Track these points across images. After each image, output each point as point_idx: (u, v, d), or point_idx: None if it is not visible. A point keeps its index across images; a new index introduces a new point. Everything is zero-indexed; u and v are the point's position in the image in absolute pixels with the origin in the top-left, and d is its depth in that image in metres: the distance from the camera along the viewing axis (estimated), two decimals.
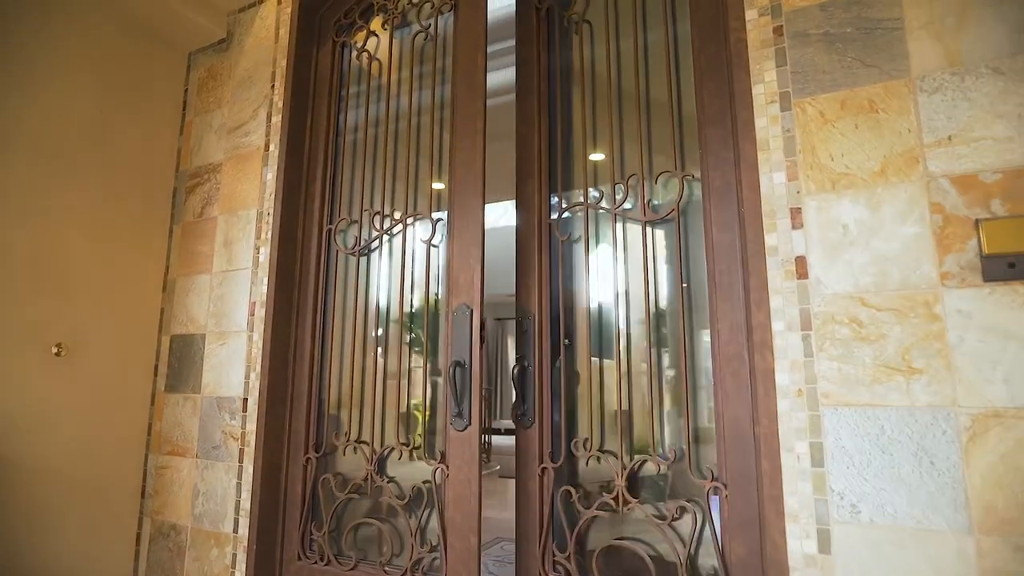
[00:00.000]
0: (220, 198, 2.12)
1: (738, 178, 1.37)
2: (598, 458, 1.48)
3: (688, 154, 1.50)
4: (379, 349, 1.82)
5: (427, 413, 1.72)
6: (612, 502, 1.43)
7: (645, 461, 1.42)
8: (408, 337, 1.80)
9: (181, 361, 2.08)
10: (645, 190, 1.53)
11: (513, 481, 5.73)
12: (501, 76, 3.16)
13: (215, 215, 2.12)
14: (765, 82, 1.29)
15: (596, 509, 1.45)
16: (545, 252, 1.64)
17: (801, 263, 1.19)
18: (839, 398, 1.12)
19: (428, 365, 1.75)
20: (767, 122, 1.27)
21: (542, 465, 1.54)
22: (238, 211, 2.06)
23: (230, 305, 2.00)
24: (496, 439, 6.69)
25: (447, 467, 1.59)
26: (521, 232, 1.70)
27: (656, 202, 1.53)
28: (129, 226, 2.11)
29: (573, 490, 1.50)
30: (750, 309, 1.27)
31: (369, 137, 1.99)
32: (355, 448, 1.79)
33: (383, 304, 1.85)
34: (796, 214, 1.21)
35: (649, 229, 1.51)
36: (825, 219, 1.18)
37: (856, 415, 1.11)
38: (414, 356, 1.78)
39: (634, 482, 1.43)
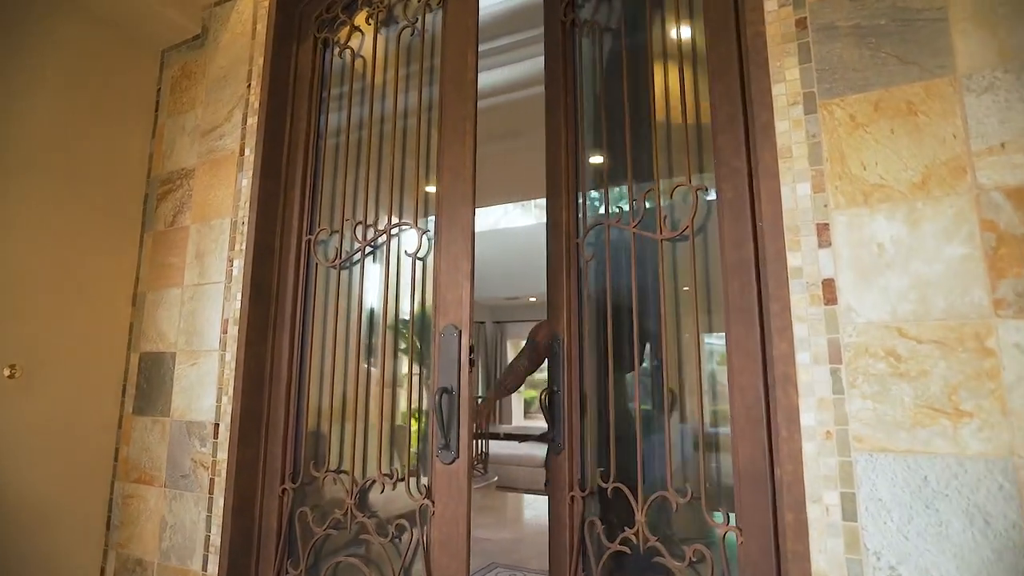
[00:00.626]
0: (192, 206, 1.98)
1: (755, 189, 1.23)
2: (617, 490, 1.35)
3: (706, 165, 1.36)
4: (363, 370, 1.68)
5: (413, 441, 1.58)
6: (633, 537, 1.30)
7: (664, 498, 1.28)
8: (393, 357, 1.65)
9: (150, 381, 1.93)
10: (661, 205, 1.40)
11: (512, 495, 5.56)
12: (496, 76, 3.02)
13: (187, 224, 1.98)
14: (787, 81, 1.14)
15: (619, 544, 1.32)
16: (573, 272, 1.54)
17: (829, 287, 1.05)
18: (874, 443, 0.98)
19: (415, 387, 1.61)
20: (789, 126, 1.12)
21: (571, 493, 1.44)
22: (211, 220, 1.92)
23: (201, 322, 1.86)
24: (495, 446, 6.47)
25: (433, 503, 1.45)
26: (551, 253, 1.60)
27: (675, 217, 1.39)
28: (96, 235, 1.97)
29: (599, 521, 1.39)
30: (770, 337, 1.12)
31: (352, 141, 1.85)
32: (335, 479, 1.65)
33: (367, 321, 1.71)
34: (823, 231, 1.07)
35: (667, 247, 1.38)
36: (857, 237, 1.04)
37: (894, 463, 0.96)
38: (399, 377, 1.64)
39: (654, 518, 1.30)
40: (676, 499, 1.25)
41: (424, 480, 1.53)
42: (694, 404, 1.29)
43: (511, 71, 2.93)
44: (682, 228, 1.35)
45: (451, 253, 1.54)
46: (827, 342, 1.03)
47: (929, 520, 0.93)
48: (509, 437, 8.28)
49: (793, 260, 1.09)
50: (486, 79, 3.01)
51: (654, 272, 1.39)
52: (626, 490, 1.35)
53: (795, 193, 1.10)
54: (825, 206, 1.07)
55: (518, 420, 9.59)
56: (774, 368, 1.09)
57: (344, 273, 1.78)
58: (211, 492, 1.71)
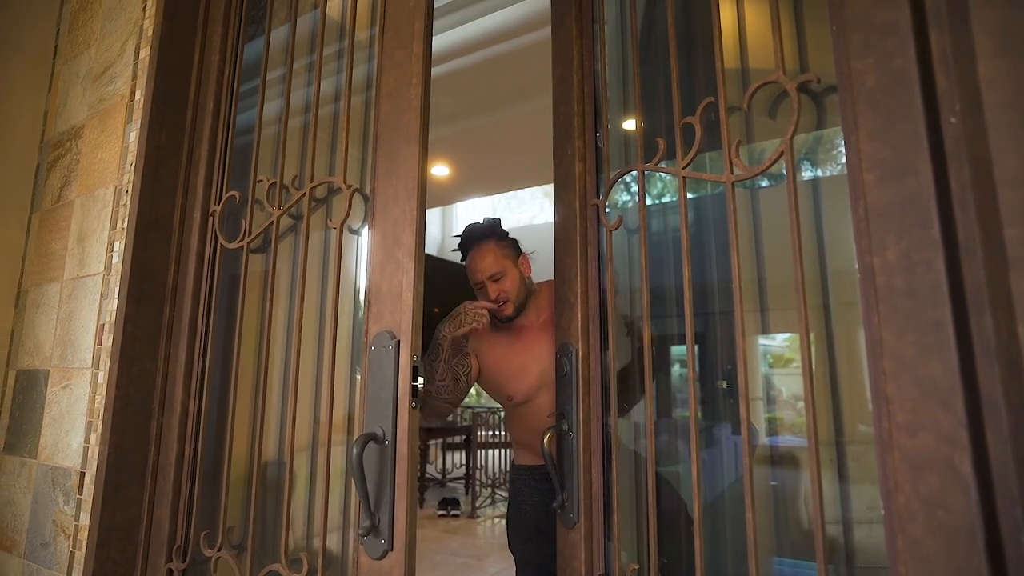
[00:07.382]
0: (79, 174, 1.48)
1: (939, 51, 0.61)
2: None
3: (812, 41, 0.75)
4: (283, 396, 1.14)
5: (334, 512, 1.02)
6: None
7: None
8: (314, 383, 1.10)
9: (23, 409, 1.45)
10: (729, 127, 0.80)
11: None
12: (508, 14, 2.44)
13: (73, 198, 1.48)
14: None
15: None
16: (592, 248, 1.00)
17: None
18: None
19: (342, 427, 1.05)
20: None
21: None
22: (95, 190, 1.42)
23: (77, 328, 1.35)
24: (494, 461, 5.74)
25: None
26: (559, 224, 1.05)
27: (756, 144, 0.80)
28: None
29: None
30: (1008, 354, 0.50)
31: (283, 77, 1.31)
32: (235, 560, 1.11)
33: (284, 327, 1.17)
34: None
35: (743, 195, 0.79)
36: None
37: None
38: (324, 410, 1.08)
39: None
40: None
41: None
42: (802, 465, 0.68)
43: (532, 3, 2.34)
44: (773, 156, 0.75)
45: (388, 218, 0.97)
46: None
47: None
48: None
49: None
50: (495, 20, 2.43)
51: (722, 237, 0.79)
52: None
53: None
54: None
55: None
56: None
57: (258, 257, 1.25)
58: (69, 573, 1.20)
